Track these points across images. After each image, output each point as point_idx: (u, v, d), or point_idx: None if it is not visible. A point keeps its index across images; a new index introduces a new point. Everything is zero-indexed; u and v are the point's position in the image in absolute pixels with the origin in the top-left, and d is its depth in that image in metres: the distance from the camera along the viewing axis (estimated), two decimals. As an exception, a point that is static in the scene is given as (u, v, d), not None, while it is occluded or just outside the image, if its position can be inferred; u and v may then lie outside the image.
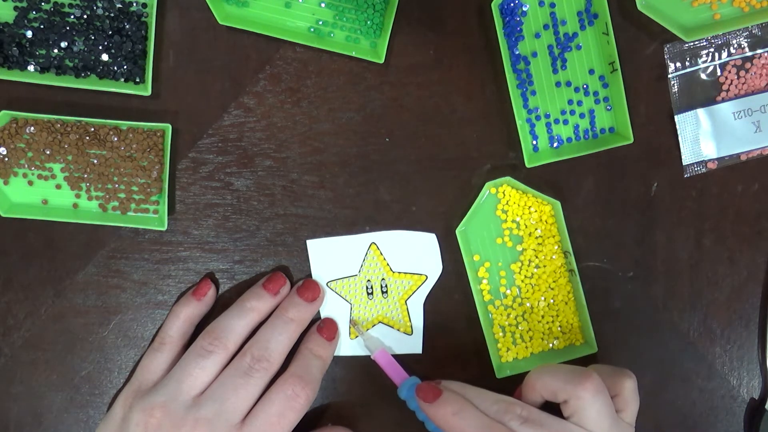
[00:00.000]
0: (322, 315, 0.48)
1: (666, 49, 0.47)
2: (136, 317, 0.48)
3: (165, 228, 0.47)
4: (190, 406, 0.42)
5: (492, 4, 0.44)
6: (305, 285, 0.47)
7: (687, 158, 0.48)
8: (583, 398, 0.40)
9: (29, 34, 0.45)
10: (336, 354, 0.48)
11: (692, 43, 0.47)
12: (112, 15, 0.45)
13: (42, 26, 0.45)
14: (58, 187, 0.47)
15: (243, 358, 0.44)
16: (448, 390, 0.43)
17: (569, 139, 0.48)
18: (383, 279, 0.48)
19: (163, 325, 0.47)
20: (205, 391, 0.43)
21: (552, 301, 0.48)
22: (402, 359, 0.48)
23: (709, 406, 0.50)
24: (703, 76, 0.48)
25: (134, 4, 0.46)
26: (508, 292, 0.48)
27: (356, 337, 0.48)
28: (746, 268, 0.49)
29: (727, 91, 0.48)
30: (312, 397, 0.44)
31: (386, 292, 0.48)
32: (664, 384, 0.50)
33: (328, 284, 0.48)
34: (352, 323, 0.48)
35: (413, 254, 0.48)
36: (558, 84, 0.47)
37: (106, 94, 0.46)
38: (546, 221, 0.48)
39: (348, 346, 0.48)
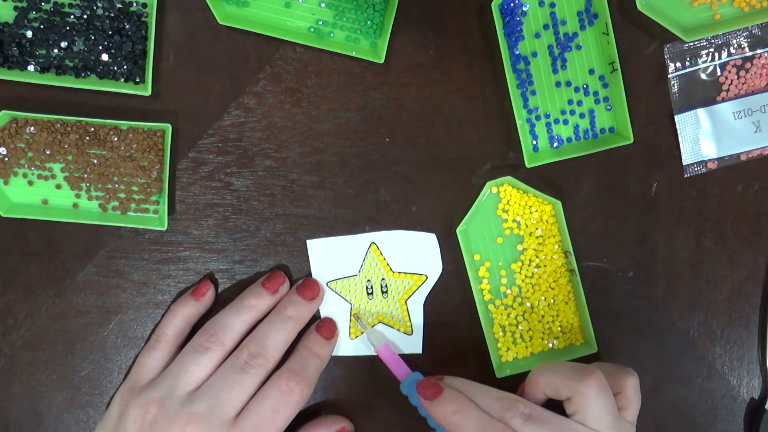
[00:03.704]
0: (322, 315, 0.48)
1: (666, 49, 0.47)
2: (136, 317, 0.48)
3: (165, 228, 0.47)
4: (184, 402, 0.42)
5: (492, 4, 0.44)
6: (305, 284, 0.47)
7: (687, 158, 0.48)
8: (586, 395, 0.40)
9: (29, 34, 0.45)
10: (336, 354, 0.48)
11: (692, 43, 0.47)
12: (112, 15, 0.45)
13: (42, 26, 0.45)
14: (58, 187, 0.47)
15: (239, 355, 0.44)
16: (449, 387, 0.42)
17: (569, 139, 0.48)
18: (383, 279, 0.48)
19: (160, 324, 0.47)
20: (201, 387, 0.43)
21: (552, 300, 0.48)
22: (403, 358, 0.48)
23: (709, 406, 0.50)
24: (703, 76, 0.48)
25: (134, 4, 0.46)
26: (509, 291, 0.48)
27: (356, 336, 0.48)
28: (746, 268, 0.49)
29: (727, 91, 0.48)
30: (307, 394, 0.44)
31: (386, 292, 0.48)
32: (664, 384, 0.50)
33: (328, 284, 0.48)
34: (356, 317, 0.48)
35: (413, 254, 0.48)
36: (558, 84, 0.47)
37: (106, 94, 0.46)
38: (546, 221, 0.48)
39: (348, 346, 0.48)
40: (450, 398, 0.42)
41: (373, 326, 0.48)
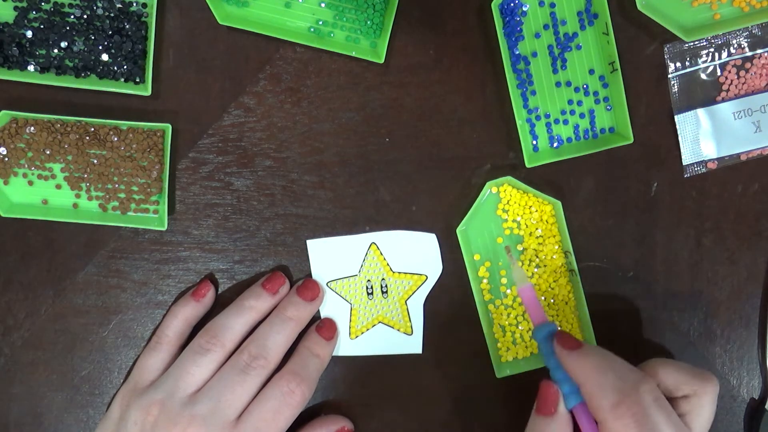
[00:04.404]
0: (322, 315, 0.48)
1: (666, 49, 0.47)
2: (136, 317, 0.48)
3: (165, 228, 0.47)
4: (186, 403, 0.42)
5: (492, 4, 0.44)
6: (305, 284, 0.47)
7: (687, 158, 0.48)
8: (707, 395, 0.40)
9: (29, 34, 0.45)
10: (336, 354, 0.48)
11: (692, 43, 0.47)
12: (112, 15, 0.45)
13: (42, 26, 0.45)
14: (58, 187, 0.47)
15: (240, 356, 0.44)
16: (589, 344, 0.41)
17: (569, 139, 0.48)
18: (383, 279, 0.48)
19: (160, 325, 0.47)
20: (202, 389, 0.43)
21: (552, 300, 0.48)
22: (402, 359, 0.48)
23: (709, 406, 0.50)
24: (703, 76, 0.48)
25: (134, 4, 0.46)
26: (509, 291, 0.48)
27: (356, 336, 0.48)
28: (746, 268, 0.49)
29: (727, 91, 0.48)
30: (308, 395, 0.44)
31: (386, 292, 0.48)
32: (664, 384, 0.49)
33: (328, 284, 0.48)
34: (507, 250, 0.46)
35: (413, 254, 0.48)
36: (558, 84, 0.47)
37: (106, 94, 0.46)
38: (546, 221, 0.48)
39: (348, 346, 0.48)
40: (594, 353, 0.40)
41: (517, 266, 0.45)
